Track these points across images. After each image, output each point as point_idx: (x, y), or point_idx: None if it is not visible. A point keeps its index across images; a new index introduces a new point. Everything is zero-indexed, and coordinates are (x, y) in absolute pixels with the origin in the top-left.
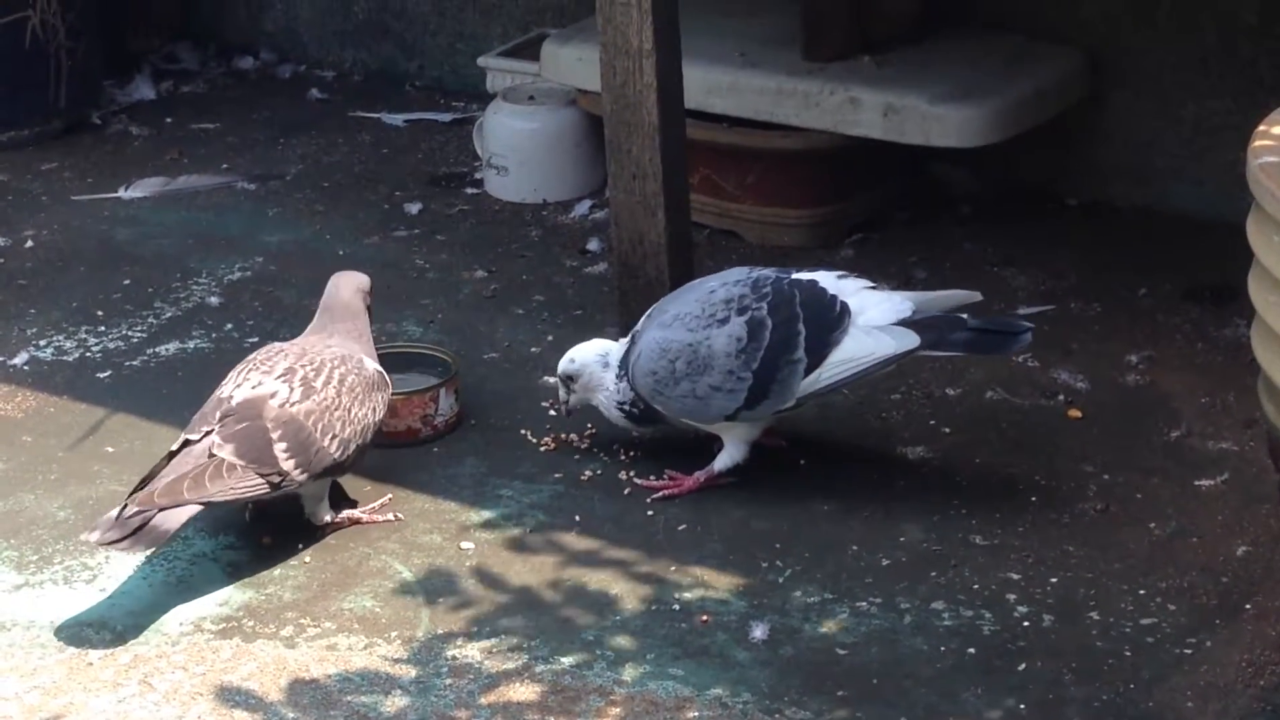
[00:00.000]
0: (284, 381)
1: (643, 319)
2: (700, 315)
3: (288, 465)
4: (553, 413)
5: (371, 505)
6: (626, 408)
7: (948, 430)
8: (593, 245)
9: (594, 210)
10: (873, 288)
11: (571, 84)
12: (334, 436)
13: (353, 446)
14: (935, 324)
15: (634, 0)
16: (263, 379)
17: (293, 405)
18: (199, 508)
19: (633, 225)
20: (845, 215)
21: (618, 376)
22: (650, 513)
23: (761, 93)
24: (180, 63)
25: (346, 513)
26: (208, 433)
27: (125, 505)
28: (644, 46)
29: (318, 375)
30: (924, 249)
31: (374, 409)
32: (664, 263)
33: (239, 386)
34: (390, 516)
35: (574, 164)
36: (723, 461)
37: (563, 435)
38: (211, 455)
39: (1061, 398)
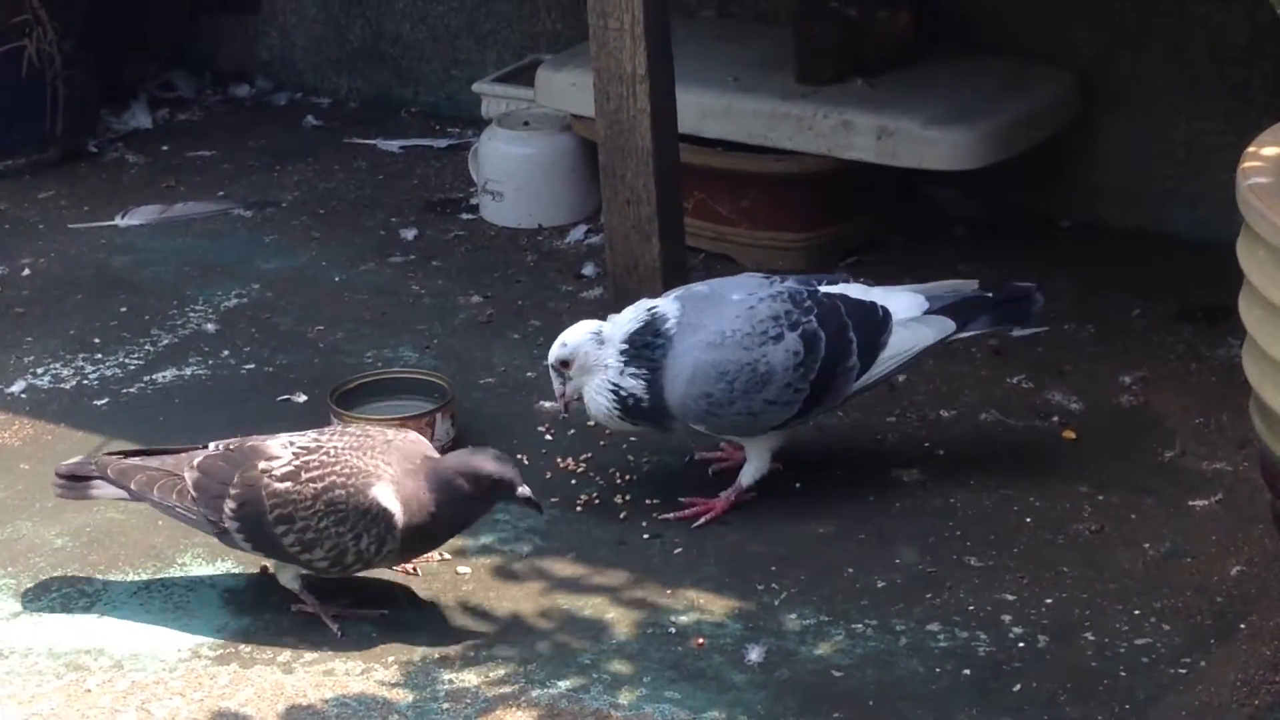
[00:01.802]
0: (295, 455)
1: (672, 307)
2: (752, 333)
3: (230, 525)
4: (549, 438)
5: (333, 610)
6: (624, 395)
7: (942, 452)
8: (588, 270)
9: (589, 235)
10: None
11: (566, 109)
12: (289, 531)
13: (317, 554)
14: (961, 307)
15: (627, 25)
16: (297, 441)
17: (267, 476)
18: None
19: (627, 250)
20: (840, 238)
21: (622, 356)
22: (646, 536)
23: (755, 116)
24: (176, 91)
25: (309, 598)
26: (209, 449)
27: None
28: (637, 71)
29: (316, 469)
30: (918, 271)
31: (358, 537)
32: (659, 287)
33: (291, 435)
34: (335, 628)
35: (569, 189)
36: (749, 476)
37: (559, 460)
38: (181, 473)
39: (1056, 419)
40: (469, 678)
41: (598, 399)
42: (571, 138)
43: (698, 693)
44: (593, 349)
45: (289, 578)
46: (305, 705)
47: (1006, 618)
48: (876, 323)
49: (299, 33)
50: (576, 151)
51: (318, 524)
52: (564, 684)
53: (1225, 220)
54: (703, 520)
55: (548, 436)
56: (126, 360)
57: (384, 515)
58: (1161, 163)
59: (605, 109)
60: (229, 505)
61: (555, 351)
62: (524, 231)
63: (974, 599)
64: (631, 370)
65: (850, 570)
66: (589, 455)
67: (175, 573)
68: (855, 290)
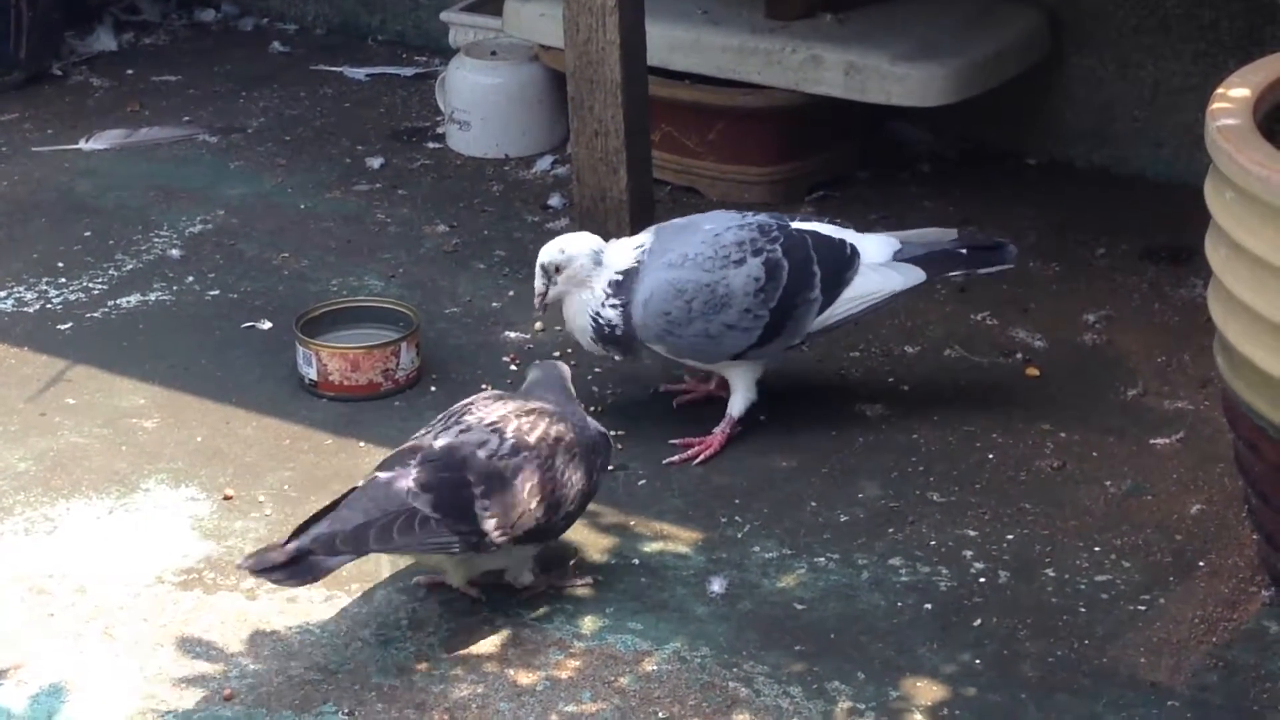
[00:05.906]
0: (494, 431)
1: (648, 237)
2: (714, 256)
3: (488, 524)
4: (513, 367)
5: (571, 579)
6: (602, 323)
7: (906, 388)
8: (554, 201)
9: (555, 166)
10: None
11: (534, 40)
12: (540, 499)
13: (562, 512)
14: (935, 258)
15: None
16: (471, 425)
17: (500, 459)
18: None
19: (594, 181)
20: (806, 173)
21: (610, 286)
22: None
23: (724, 50)
24: (141, 14)
25: (549, 579)
26: (399, 475)
27: (294, 537)
28: (607, 3)
29: (533, 430)
30: (884, 207)
31: (591, 473)
32: (625, 219)
33: (446, 429)
34: (583, 583)
35: (536, 120)
36: (738, 407)
37: None
38: (407, 504)
39: (1019, 356)
40: (432, 606)
41: (579, 318)
42: (539, 68)
43: (660, 624)
44: (588, 264)
45: (524, 575)
46: (269, 632)
47: (968, 553)
48: (843, 259)
49: None
50: (544, 82)
51: (564, 479)
52: (527, 613)
53: (1191, 161)
54: (703, 457)
55: (512, 366)
56: (90, 285)
57: (604, 440)
58: (1128, 103)
59: (575, 40)
60: (481, 505)
61: (551, 254)
62: (490, 161)
63: (936, 534)
64: (612, 302)
65: (813, 504)
66: None
67: (139, 498)
68: (827, 229)
